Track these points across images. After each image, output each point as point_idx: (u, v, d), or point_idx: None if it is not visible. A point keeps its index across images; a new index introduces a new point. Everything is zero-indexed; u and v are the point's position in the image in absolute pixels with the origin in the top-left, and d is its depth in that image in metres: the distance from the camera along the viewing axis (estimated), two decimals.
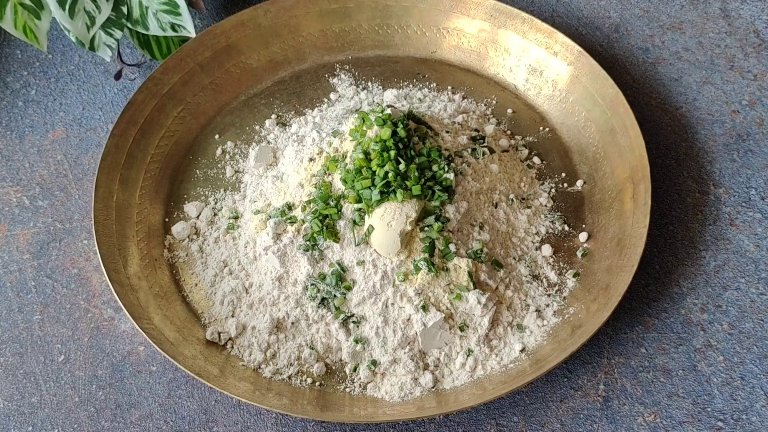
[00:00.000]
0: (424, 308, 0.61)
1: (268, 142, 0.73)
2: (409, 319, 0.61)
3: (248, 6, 0.77)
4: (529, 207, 0.69)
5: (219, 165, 0.73)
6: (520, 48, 0.76)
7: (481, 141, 0.70)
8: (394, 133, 0.63)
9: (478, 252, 0.64)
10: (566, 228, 0.68)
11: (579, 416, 0.62)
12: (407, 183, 0.62)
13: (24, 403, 0.64)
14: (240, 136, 0.75)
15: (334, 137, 0.68)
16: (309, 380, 0.62)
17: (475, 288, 0.62)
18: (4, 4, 0.73)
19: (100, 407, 0.63)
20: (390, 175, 0.62)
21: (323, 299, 0.62)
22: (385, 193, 0.62)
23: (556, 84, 0.74)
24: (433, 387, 0.61)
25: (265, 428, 0.62)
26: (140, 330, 0.60)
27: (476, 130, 0.72)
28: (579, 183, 0.71)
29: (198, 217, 0.70)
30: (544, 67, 0.75)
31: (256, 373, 0.62)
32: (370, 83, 0.77)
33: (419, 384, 0.61)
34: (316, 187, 0.65)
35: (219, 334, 0.64)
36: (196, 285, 0.67)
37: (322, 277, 0.63)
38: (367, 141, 0.64)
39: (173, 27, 0.75)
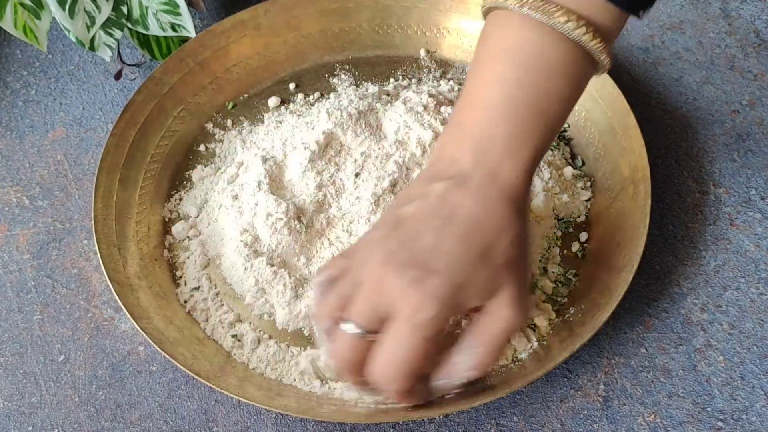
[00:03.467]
0: None
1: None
2: None
3: (248, 6, 0.77)
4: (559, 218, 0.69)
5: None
6: None
7: None
8: None
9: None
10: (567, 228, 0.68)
11: (579, 416, 0.62)
12: None
13: (24, 403, 0.64)
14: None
15: None
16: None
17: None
18: (4, 4, 0.73)
19: (100, 407, 0.63)
20: None
21: None
22: None
23: None
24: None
25: (265, 428, 0.62)
26: (140, 330, 0.60)
27: None
28: (579, 183, 0.71)
29: (198, 216, 0.70)
30: None
31: (256, 372, 0.62)
32: (369, 83, 0.77)
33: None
34: None
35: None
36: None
37: None
38: None
39: (173, 27, 0.75)
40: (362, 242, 0.53)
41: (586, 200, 0.69)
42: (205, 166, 0.73)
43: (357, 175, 0.66)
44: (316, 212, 0.66)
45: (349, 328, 0.50)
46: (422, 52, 0.78)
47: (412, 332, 0.49)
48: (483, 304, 0.51)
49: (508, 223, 0.51)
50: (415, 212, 0.51)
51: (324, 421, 0.61)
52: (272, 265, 0.64)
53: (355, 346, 0.51)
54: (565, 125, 0.73)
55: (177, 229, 0.69)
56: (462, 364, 0.52)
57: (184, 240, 0.69)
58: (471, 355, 0.52)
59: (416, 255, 0.50)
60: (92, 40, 0.75)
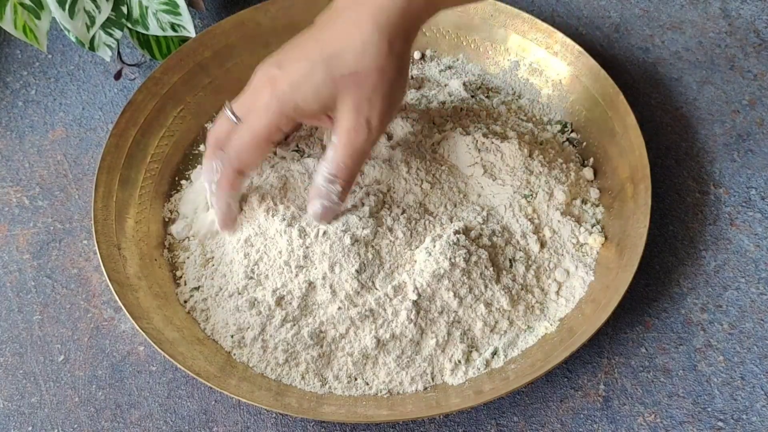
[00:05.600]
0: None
1: None
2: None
3: (248, 6, 0.77)
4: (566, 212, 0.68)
5: None
6: (520, 48, 0.76)
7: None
8: None
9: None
10: None
11: (579, 416, 0.62)
12: None
13: (24, 403, 0.64)
14: None
15: None
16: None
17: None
18: (4, 4, 0.73)
19: (100, 407, 0.63)
20: None
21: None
22: None
23: (556, 84, 0.74)
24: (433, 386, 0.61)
25: (265, 428, 0.62)
26: (140, 330, 0.60)
27: None
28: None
29: (195, 216, 0.70)
30: (544, 67, 0.75)
31: (256, 372, 0.62)
32: None
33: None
34: None
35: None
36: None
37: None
38: None
39: (173, 27, 0.75)
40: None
41: (596, 204, 0.69)
42: None
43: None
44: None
45: (228, 114, 0.60)
46: (417, 54, 0.78)
47: (252, 122, 0.59)
48: (326, 113, 0.59)
49: (362, 38, 0.56)
50: (315, 22, 0.59)
51: (324, 421, 0.61)
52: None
53: (224, 127, 0.61)
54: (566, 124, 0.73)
55: (177, 229, 0.69)
56: (321, 177, 0.60)
57: (184, 240, 0.69)
58: (328, 165, 0.60)
59: (282, 56, 0.58)
60: (92, 40, 0.75)
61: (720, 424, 0.61)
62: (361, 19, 0.56)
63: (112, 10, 0.75)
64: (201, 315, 0.65)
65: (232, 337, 0.63)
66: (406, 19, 0.57)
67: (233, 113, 0.60)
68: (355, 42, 0.56)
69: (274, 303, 0.62)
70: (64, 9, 0.72)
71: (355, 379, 0.61)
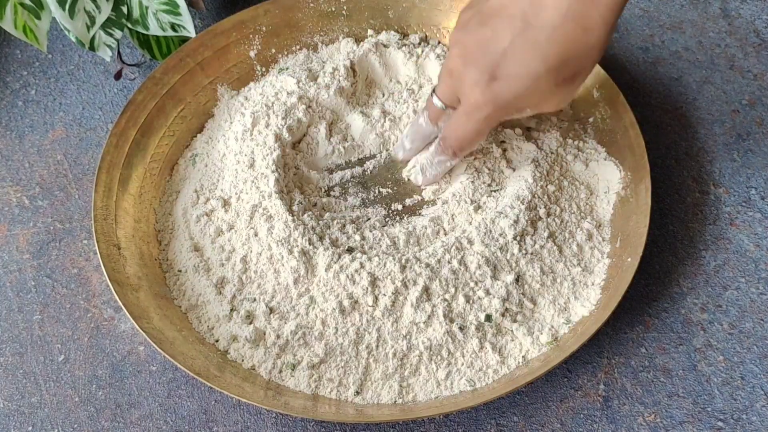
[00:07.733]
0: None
1: None
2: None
3: (248, 6, 0.77)
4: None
5: None
6: None
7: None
8: None
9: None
10: None
11: (579, 416, 0.62)
12: None
13: (24, 403, 0.64)
14: None
15: None
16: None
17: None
18: (4, 4, 0.73)
19: (100, 407, 0.63)
20: None
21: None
22: None
23: None
24: None
25: (265, 428, 0.62)
26: (140, 330, 0.60)
27: None
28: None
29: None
30: None
31: (256, 372, 0.62)
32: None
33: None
34: None
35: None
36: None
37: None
38: None
39: (173, 27, 0.75)
40: (457, 25, 0.61)
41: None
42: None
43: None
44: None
45: (436, 101, 0.65)
46: (416, 39, 0.78)
47: (467, 123, 0.62)
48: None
49: (588, 42, 0.56)
50: (503, 5, 0.57)
51: (324, 421, 0.61)
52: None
53: (437, 113, 0.65)
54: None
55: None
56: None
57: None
58: None
59: (488, 56, 0.58)
60: (92, 40, 0.75)
61: (720, 424, 0.61)
62: (590, 17, 0.55)
63: (112, 10, 0.75)
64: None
65: (229, 337, 0.63)
66: (622, 6, 0.56)
67: (441, 102, 0.64)
68: (582, 47, 0.56)
69: (272, 307, 0.62)
70: (64, 9, 0.72)
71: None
